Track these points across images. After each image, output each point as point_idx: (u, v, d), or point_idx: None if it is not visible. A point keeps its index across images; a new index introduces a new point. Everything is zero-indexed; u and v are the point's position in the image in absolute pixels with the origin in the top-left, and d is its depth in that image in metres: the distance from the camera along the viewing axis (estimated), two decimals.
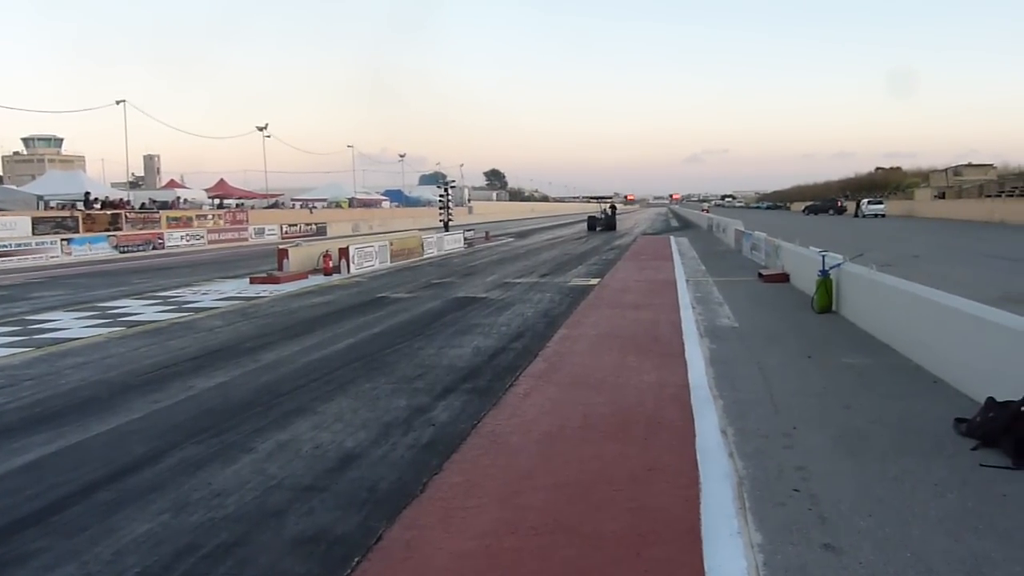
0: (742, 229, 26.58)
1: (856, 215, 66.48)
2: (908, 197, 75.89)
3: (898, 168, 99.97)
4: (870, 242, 27.07)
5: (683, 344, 9.29)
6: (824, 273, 11.51)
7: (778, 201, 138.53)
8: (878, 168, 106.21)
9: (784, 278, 15.84)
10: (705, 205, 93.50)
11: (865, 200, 68.59)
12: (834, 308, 11.46)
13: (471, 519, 4.32)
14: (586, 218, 50.14)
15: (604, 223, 47.60)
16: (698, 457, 5.26)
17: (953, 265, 18.70)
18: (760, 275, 16.81)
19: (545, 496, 4.64)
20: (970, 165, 73.73)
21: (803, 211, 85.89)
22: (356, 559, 3.84)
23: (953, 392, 6.66)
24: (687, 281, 16.59)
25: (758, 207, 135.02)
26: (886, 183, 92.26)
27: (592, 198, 63.13)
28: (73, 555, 3.94)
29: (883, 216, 62.22)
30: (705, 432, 5.80)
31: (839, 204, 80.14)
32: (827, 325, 10.49)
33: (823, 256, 11.83)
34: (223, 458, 5.43)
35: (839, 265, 11.46)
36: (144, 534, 4.18)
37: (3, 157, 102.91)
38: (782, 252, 17.08)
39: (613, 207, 53.72)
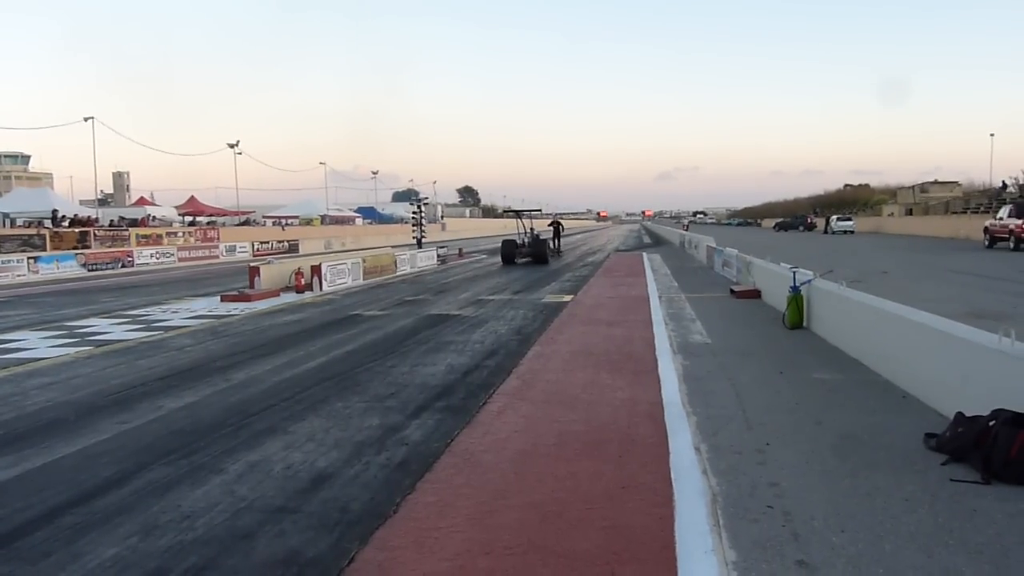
0: (714, 246, 26.80)
1: (826, 231, 67.42)
2: (876, 214, 77.20)
3: (866, 185, 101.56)
4: (839, 258, 27.41)
5: (656, 360, 9.32)
6: (795, 289, 11.63)
7: (749, 218, 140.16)
8: (847, 185, 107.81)
9: (756, 294, 15.97)
10: (684, 221, 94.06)
11: (834, 217, 69.56)
12: (805, 324, 11.57)
13: (444, 540, 4.28)
14: (501, 243, 32.87)
15: (529, 252, 31.40)
16: (672, 474, 5.26)
17: (920, 281, 18.98)
18: (732, 291, 16.94)
19: (519, 515, 4.61)
20: (936, 182, 75.24)
21: (774, 227, 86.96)
22: None
23: (922, 407, 6.73)
24: (660, 297, 16.67)
25: (729, 224, 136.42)
26: (855, 200, 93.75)
27: (510, 213, 42.93)
28: None
29: (852, 232, 63.09)
30: (679, 449, 5.81)
31: (809, 221, 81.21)
32: (798, 341, 10.59)
33: (794, 272, 11.94)
34: (192, 479, 5.35)
35: (809, 281, 11.58)
36: (111, 558, 4.10)
37: None
38: (754, 268, 17.24)
39: (557, 226, 41.41)
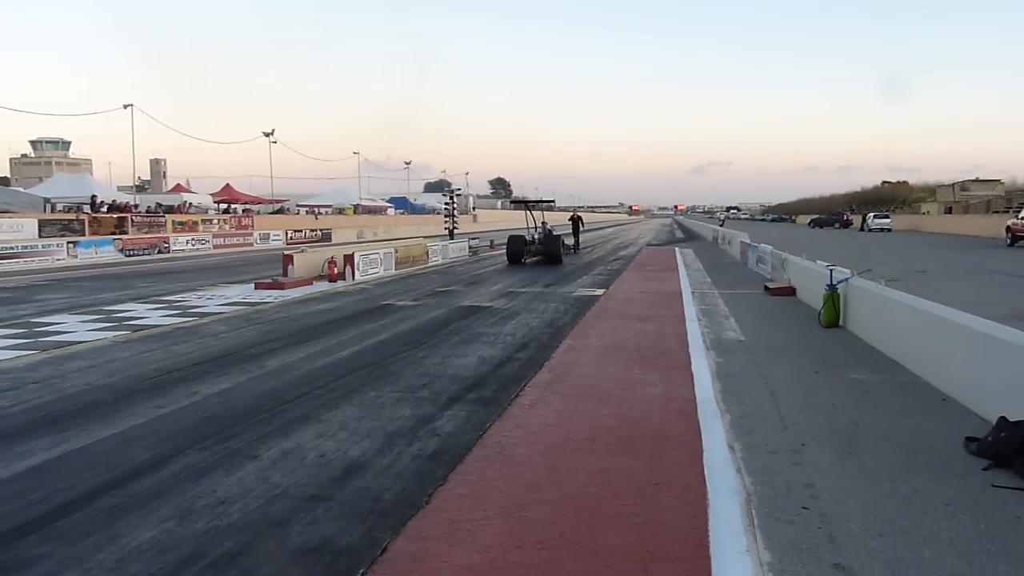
0: (748, 242, 26.53)
1: (862, 229, 66.41)
2: (914, 212, 75.90)
3: (904, 182, 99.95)
4: (876, 256, 27.01)
5: (689, 357, 9.24)
6: (832, 287, 11.46)
7: (783, 213, 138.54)
8: (884, 182, 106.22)
9: (791, 291, 15.78)
10: (720, 216, 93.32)
11: (871, 214, 68.54)
12: (841, 323, 11.41)
13: (476, 532, 4.28)
14: (507, 239, 27.86)
15: (540, 250, 27.31)
16: (705, 472, 5.21)
17: (960, 281, 18.63)
18: (766, 288, 16.76)
19: (551, 510, 4.60)
20: (977, 180, 73.80)
21: (808, 224, 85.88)
22: (361, 571, 3.80)
23: (963, 410, 6.60)
24: (693, 293, 16.54)
25: (763, 219, 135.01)
26: (892, 197, 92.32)
27: (521, 203, 34.38)
28: (76, 562, 3.91)
29: (889, 230, 62.10)
30: (712, 447, 5.75)
31: (845, 218, 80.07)
32: (834, 340, 10.44)
33: (831, 270, 11.78)
34: (227, 465, 5.40)
35: (847, 279, 11.41)
36: (148, 541, 4.15)
37: (11, 159, 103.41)
38: (789, 265, 17.03)
39: (576, 221, 36.70)
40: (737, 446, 5.78)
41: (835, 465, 5.35)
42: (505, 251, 27.27)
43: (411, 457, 5.60)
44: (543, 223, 29.01)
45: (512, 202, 38.28)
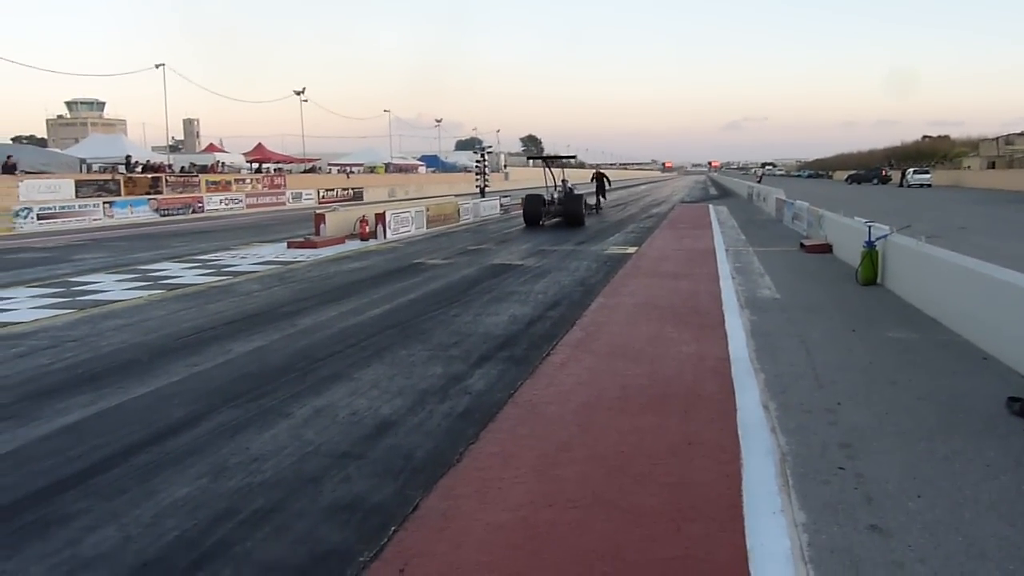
0: (783, 198, 26.08)
1: (901, 185, 65.00)
2: (956, 167, 74.02)
3: (946, 137, 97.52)
4: (916, 212, 26.44)
5: (723, 315, 9.13)
6: (870, 244, 11.22)
7: (819, 170, 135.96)
8: (925, 136, 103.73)
9: (827, 249, 15.50)
10: (758, 173, 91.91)
11: (911, 170, 66.99)
12: (879, 280, 11.18)
13: (507, 490, 4.27)
14: (523, 200, 25.52)
15: (560, 211, 24.78)
16: (739, 432, 5.15)
17: (1003, 238, 18.17)
18: (802, 245, 16.48)
19: (582, 468, 4.57)
20: (1023, 134, 71.55)
21: (846, 180, 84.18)
22: (392, 528, 3.81)
23: (1005, 369, 6.44)
24: (727, 251, 16.32)
25: (799, 176, 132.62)
26: (933, 152, 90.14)
27: (540, 159, 34.61)
28: (113, 517, 3.97)
29: (929, 186, 60.77)
30: (746, 406, 5.68)
31: (883, 173, 78.39)
32: (872, 298, 10.24)
33: (869, 227, 11.51)
34: (260, 423, 5.45)
35: (885, 236, 11.15)
36: (183, 498, 4.20)
37: (47, 120, 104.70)
38: (825, 222, 16.71)
39: (600, 179, 34.79)
40: (771, 405, 5.70)
41: (872, 425, 5.26)
42: (521, 212, 24.94)
43: (442, 415, 5.60)
44: (563, 181, 26.22)
45: (529, 158, 35.67)
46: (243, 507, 4.08)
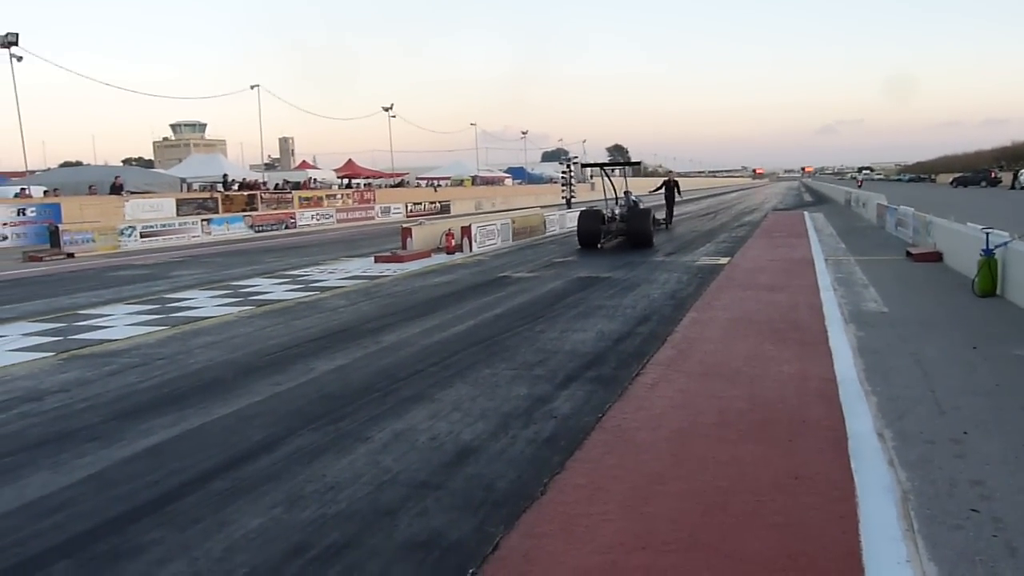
0: (885, 203, 24.81)
1: (1012, 187, 61.34)
2: None
3: None
4: None
5: (826, 331, 8.53)
6: (988, 252, 10.38)
7: (921, 173, 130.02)
8: None
9: (936, 257, 14.53)
10: (859, 177, 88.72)
11: (1023, 170, 63.13)
12: (998, 292, 10.32)
13: (595, 529, 3.93)
14: (577, 217, 21.51)
15: (622, 229, 20.79)
16: (852, 464, 4.67)
17: None
18: (908, 254, 15.52)
19: (678, 505, 4.19)
20: None
21: (951, 183, 80.00)
22: (471, 571, 3.52)
23: None
24: (826, 260, 15.51)
25: (899, 179, 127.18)
26: None
27: (597, 167, 26.82)
28: (184, 550, 3.82)
29: None
30: (858, 434, 5.17)
31: (992, 175, 74.10)
32: (992, 311, 9.43)
33: (987, 233, 10.66)
34: (338, 447, 5.26)
35: (1007, 243, 10.29)
36: (256, 529, 4.03)
37: (154, 143, 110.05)
38: (934, 228, 15.69)
39: (672, 187, 29.20)
40: (887, 433, 5.18)
41: (1006, 458, 4.68)
42: (576, 232, 21.01)
43: (526, 441, 5.30)
44: (626, 192, 22.44)
45: (584, 166, 31.42)
46: (316, 542, 3.86)
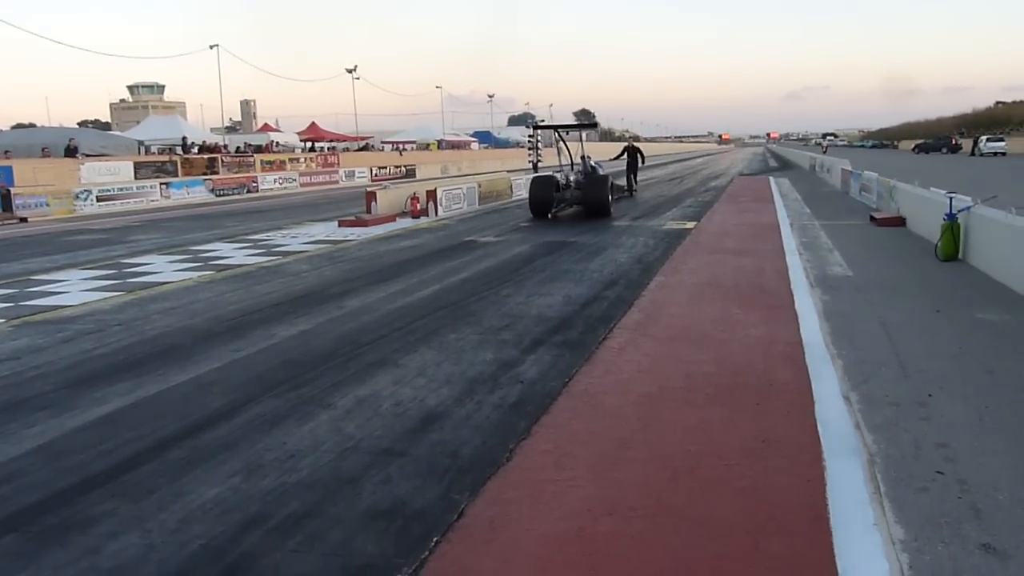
0: (850, 169, 24.98)
1: (973, 154, 62.25)
2: None
3: (1022, 102, 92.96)
4: (992, 184, 25.05)
5: (792, 295, 8.54)
6: (951, 217, 10.45)
7: (884, 140, 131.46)
8: (998, 103, 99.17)
9: (900, 222, 14.66)
10: (824, 143, 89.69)
11: (983, 137, 64.07)
12: (960, 256, 10.42)
13: (562, 495, 3.86)
14: (528, 182, 20.42)
15: (577, 197, 19.21)
16: (819, 428, 4.65)
17: None
18: (872, 219, 15.64)
19: (645, 470, 4.14)
20: None
21: (913, 150, 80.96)
22: (435, 539, 3.44)
23: None
24: (791, 225, 15.58)
25: (862, 146, 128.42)
26: (1008, 119, 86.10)
27: (549, 128, 24.39)
28: (137, 522, 3.68)
29: (1004, 155, 58.04)
30: (825, 398, 5.17)
31: (953, 142, 75.10)
32: (955, 275, 9.52)
33: (951, 198, 10.73)
34: (300, 414, 5.13)
35: (969, 208, 10.37)
36: (212, 499, 3.90)
37: (111, 105, 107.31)
38: (898, 193, 15.81)
39: (633, 154, 27.23)
40: (853, 397, 5.18)
41: (970, 420, 4.71)
42: (528, 200, 19.15)
43: (492, 407, 5.21)
44: (583, 157, 20.63)
45: (534, 127, 27.65)
46: (275, 512, 3.75)
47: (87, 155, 31.03)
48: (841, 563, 3.18)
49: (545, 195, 18.64)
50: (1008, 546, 3.25)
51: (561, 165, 20.60)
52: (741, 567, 3.19)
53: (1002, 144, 60.30)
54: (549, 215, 18.54)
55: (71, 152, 30.30)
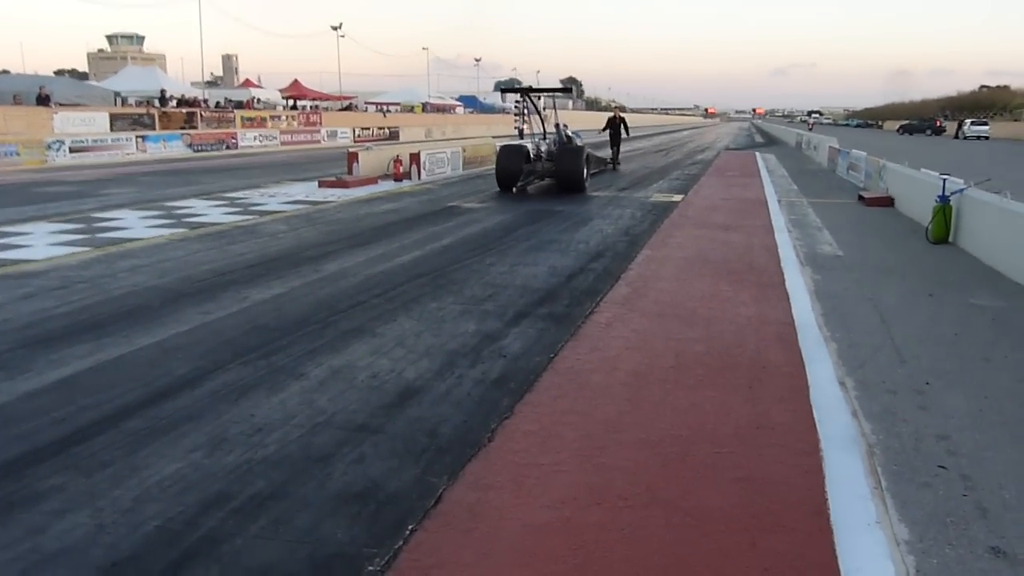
0: (837, 147, 24.79)
1: (956, 136, 62.39)
2: (1015, 119, 70.91)
3: (1006, 87, 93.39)
4: (978, 166, 25.01)
5: (782, 273, 8.33)
6: (944, 199, 10.27)
7: (869, 119, 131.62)
8: (982, 87, 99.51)
9: (888, 202, 14.49)
10: (810, 121, 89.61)
11: (967, 121, 64.20)
12: (951, 239, 10.26)
13: (547, 481, 3.63)
14: (496, 151, 18.46)
15: (549, 170, 17.36)
16: (815, 414, 4.45)
17: None
18: (861, 198, 15.46)
19: (634, 455, 3.91)
20: None
21: (897, 130, 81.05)
22: (410, 527, 3.20)
23: None
24: (779, 201, 15.37)
25: (847, 124, 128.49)
26: (991, 103, 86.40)
27: (518, 92, 20.53)
28: (88, 499, 3.41)
29: (987, 138, 58.23)
30: (820, 383, 4.96)
31: (938, 124, 75.24)
32: (946, 258, 9.35)
33: (944, 180, 10.54)
34: (269, 384, 4.85)
35: (962, 190, 10.19)
36: (171, 476, 3.63)
37: (88, 54, 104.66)
38: (887, 173, 15.63)
39: (617, 124, 24.60)
40: (849, 382, 4.98)
41: (971, 412, 4.52)
42: (495, 172, 17.42)
43: (473, 382, 4.96)
44: (559, 126, 18.91)
45: (502, 91, 25.26)
46: (238, 491, 3.49)
47: (61, 104, 30.19)
48: (844, 566, 2.97)
49: (513, 166, 16.84)
50: (1019, 550, 3.06)
51: (533, 133, 18.96)
52: (737, 566, 2.98)
53: (986, 128, 60.45)
54: (514, 188, 16.74)
55: (43, 100, 29.47)
